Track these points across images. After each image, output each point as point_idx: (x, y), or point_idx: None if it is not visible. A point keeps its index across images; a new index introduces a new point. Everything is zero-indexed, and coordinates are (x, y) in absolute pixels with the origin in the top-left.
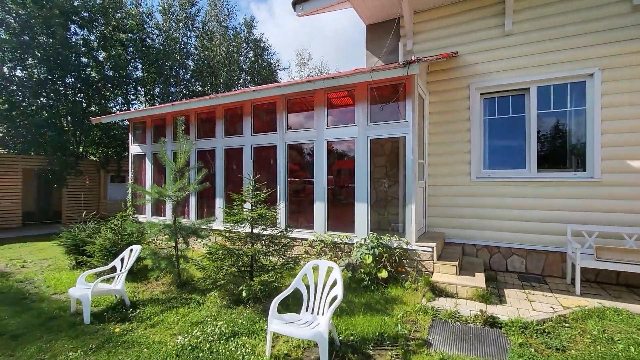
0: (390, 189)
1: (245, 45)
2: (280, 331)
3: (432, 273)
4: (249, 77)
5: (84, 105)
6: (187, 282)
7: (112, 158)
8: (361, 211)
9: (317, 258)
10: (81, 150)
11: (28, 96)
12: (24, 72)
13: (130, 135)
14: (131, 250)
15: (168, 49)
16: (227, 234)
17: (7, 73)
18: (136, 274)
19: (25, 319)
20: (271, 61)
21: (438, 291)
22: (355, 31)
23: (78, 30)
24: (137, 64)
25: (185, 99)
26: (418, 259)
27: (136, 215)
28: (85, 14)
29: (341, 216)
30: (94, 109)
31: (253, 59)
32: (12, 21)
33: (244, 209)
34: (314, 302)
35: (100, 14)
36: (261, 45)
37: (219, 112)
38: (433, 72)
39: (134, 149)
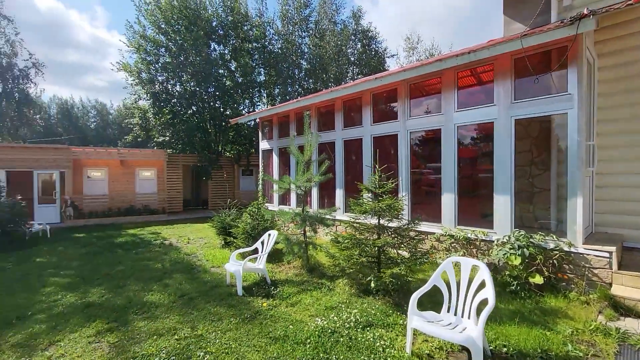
0: (536, 179)
1: (353, 37)
2: (424, 330)
3: (611, 285)
4: (357, 69)
5: (221, 110)
6: (315, 267)
7: (242, 154)
8: (502, 204)
9: (446, 254)
10: (220, 148)
11: (184, 106)
12: (181, 87)
13: (259, 133)
14: (269, 235)
15: (286, 52)
16: (354, 224)
17: (170, 89)
18: (271, 255)
19: (195, 285)
20: (379, 50)
21: (623, 309)
22: (470, 6)
23: (216, 47)
24: (260, 69)
25: (299, 97)
26: (587, 265)
27: (266, 204)
28: (220, 32)
29: (473, 209)
30: (228, 112)
31: (361, 49)
32: (173, 47)
33: (367, 200)
34: (456, 303)
35: (231, 29)
36: (369, 34)
37: (337, 105)
38: (604, 29)
39: (263, 144)
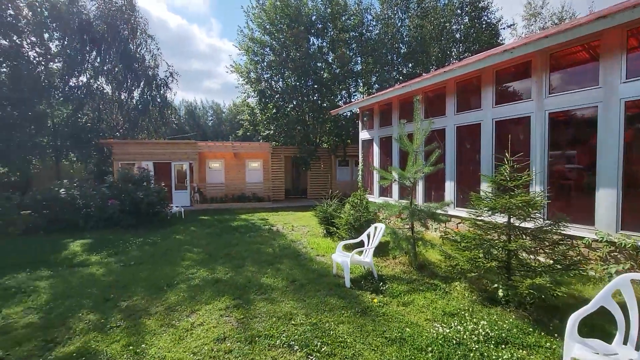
0: None
1: (459, 11)
2: None
3: None
4: (462, 47)
5: (319, 102)
6: (424, 265)
7: (339, 145)
8: None
9: (602, 265)
10: (317, 140)
11: (286, 101)
12: (283, 82)
13: (359, 123)
14: (375, 228)
15: (384, 37)
16: (478, 222)
17: (273, 85)
18: (375, 249)
19: (304, 272)
20: (491, 21)
21: None
22: None
23: (314, 40)
24: (357, 58)
25: (397, 83)
26: None
27: (366, 195)
28: (319, 25)
29: None
30: (325, 104)
31: (468, 24)
32: (276, 45)
33: (487, 193)
34: (638, 334)
35: (329, 22)
36: (479, 5)
37: (449, 87)
38: None
39: (363, 134)
